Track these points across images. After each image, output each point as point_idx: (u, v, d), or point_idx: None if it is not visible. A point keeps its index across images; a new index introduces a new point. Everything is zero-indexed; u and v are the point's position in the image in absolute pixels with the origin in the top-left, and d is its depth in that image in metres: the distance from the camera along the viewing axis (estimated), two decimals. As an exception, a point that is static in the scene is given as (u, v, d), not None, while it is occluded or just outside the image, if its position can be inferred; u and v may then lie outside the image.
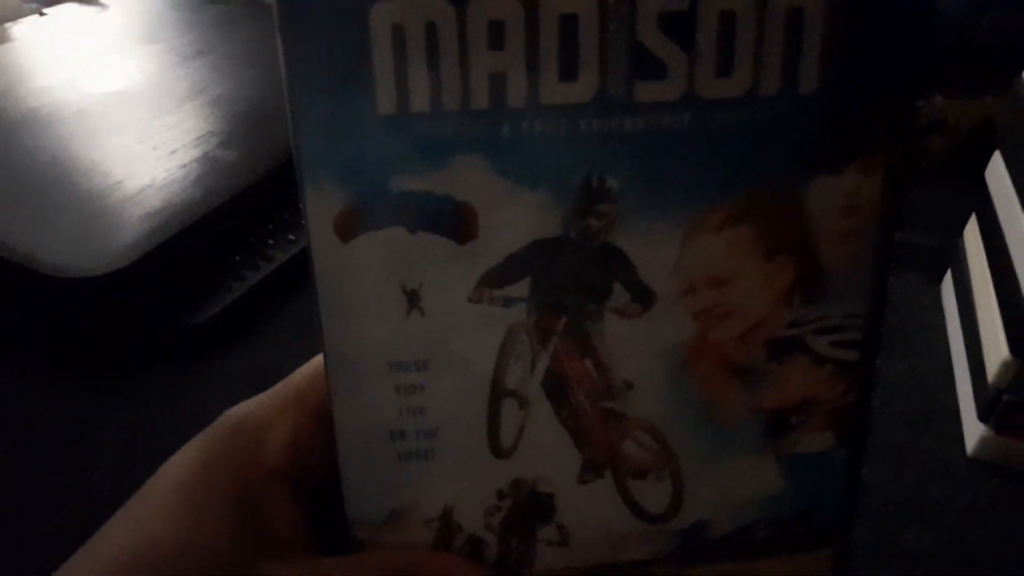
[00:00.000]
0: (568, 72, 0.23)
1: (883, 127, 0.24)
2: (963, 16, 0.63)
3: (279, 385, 0.25)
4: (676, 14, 0.22)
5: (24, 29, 0.54)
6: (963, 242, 0.45)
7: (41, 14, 0.56)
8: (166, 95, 0.48)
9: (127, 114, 0.45)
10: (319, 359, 0.24)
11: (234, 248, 0.41)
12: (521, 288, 0.25)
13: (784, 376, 0.27)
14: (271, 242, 0.42)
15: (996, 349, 0.35)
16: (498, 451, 0.26)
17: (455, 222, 0.24)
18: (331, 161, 0.23)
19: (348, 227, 0.23)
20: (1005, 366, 0.34)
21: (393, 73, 0.22)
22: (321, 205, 0.22)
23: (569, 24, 0.23)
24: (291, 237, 0.43)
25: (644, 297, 0.26)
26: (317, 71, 0.22)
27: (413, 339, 0.24)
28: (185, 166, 0.42)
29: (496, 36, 0.23)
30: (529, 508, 0.27)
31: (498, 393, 0.26)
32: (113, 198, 0.40)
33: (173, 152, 0.43)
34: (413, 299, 0.24)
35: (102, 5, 0.59)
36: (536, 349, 0.26)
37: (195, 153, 0.43)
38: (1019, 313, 0.34)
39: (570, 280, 0.25)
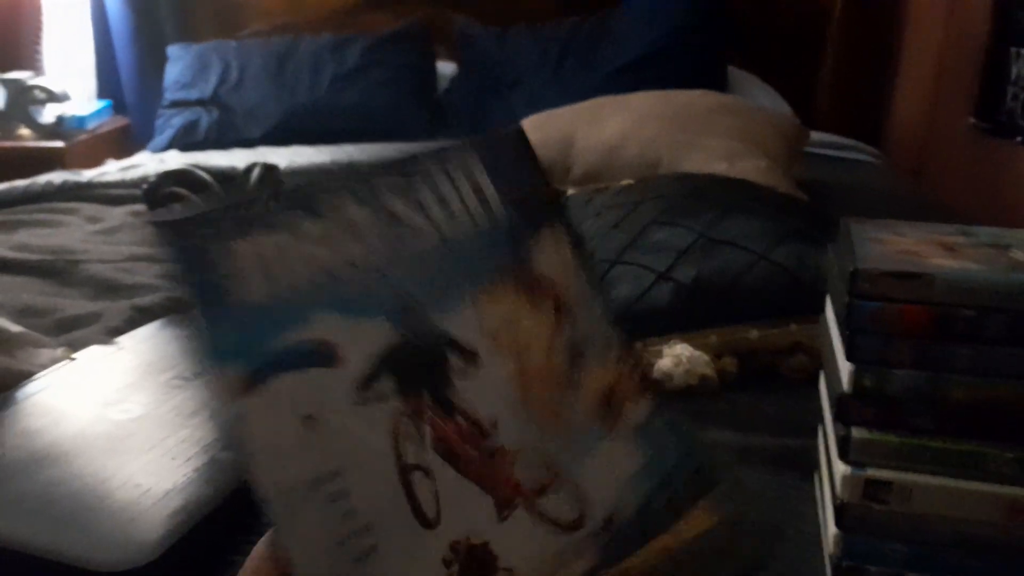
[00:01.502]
0: (370, 248, 0.34)
1: (549, 211, 0.40)
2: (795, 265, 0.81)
3: None
4: (408, 198, 0.36)
5: (59, 374, 0.68)
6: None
7: (71, 359, 0.71)
8: (178, 413, 0.61)
9: (150, 434, 0.58)
10: (258, 545, 0.30)
11: (237, 530, 0.52)
12: (388, 383, 0.32)
13: (586, 377, 0.37)
14: (269, 520, 0.53)
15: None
16: (427, 522, 0.32)
17: (324, 355, 0.31)
18: (226, 351, 0.29)
19: (246, 386, 0.29)
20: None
21: (264, 279, 0.31)
22: (224, 381, 0.29)
23: (356, 226, 0.35)
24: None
25: (469, 356, 0.35)
26: (215, 296, 0.30)
27: (320, 454, 0.30)
28: (197, 470, 0.54)
29: (320, 241, 0.33)
30: (474, 563, 0.32)
31: (405, 470, 0.31)
32: (143, 504, 0.51)
33: (188, 459, 0.55)
34: (309, 422, 0.30)
35: (118, 345, 0.74)
36: (418, 424, 0.32)
37: (204, 458, 0.55)
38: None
39: (419, 365, 0.33)
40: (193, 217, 0.31)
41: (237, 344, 0.30)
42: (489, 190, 0.39)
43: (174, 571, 0.48)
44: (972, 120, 1.54)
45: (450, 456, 0.33)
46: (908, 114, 1.88)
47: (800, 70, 1.91)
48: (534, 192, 0.40)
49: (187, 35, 2.09)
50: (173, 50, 2.00)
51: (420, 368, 0.34)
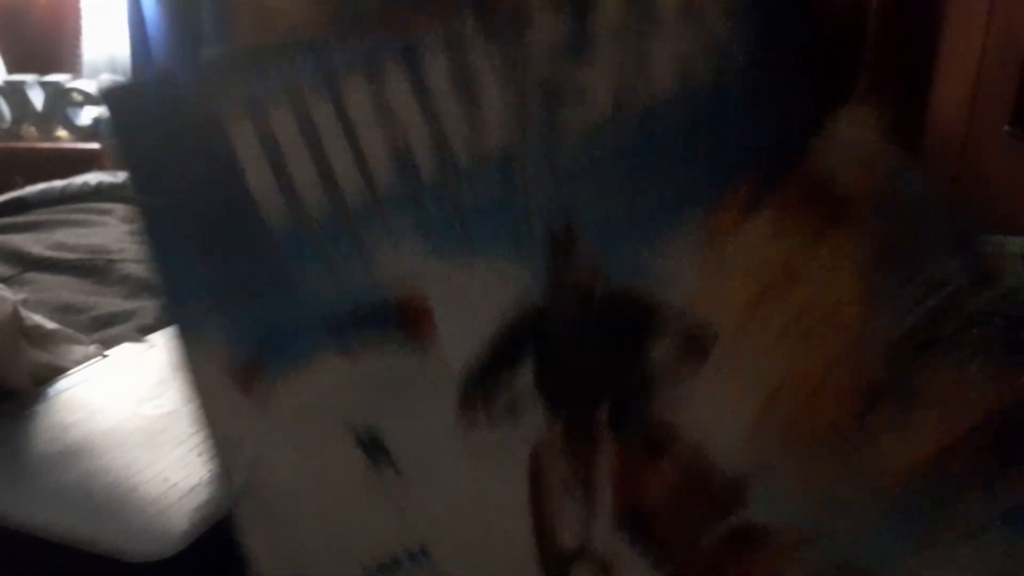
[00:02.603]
0: (476, 124, 0.18)
1: (846, 66, 0.22)
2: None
3: None
4: (569, 42, 0.18)
5: (93, 370, 0.70)
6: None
7: (104, 356, 0.72)
8: (207, 410, 0.62)
9: (180, 429, 0.59)
10: None
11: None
12: (524, 384, 0.17)
13: (925, 396, 0.18)
14: (293, 517, 0.54)
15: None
16: None
17: (401, 324, 0.17)
18: (217, 305, 0.18)
19: (256, 376, 0.17)
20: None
21: (276, 184, 0.18)
22: (214, 365, 0.17)
23: (463, 79, 0.19)
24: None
25: (698, 336, 0.17)
26: (182, 213, 0.19)
27: (394, 516, 0.16)
28: (225, 465, 0.55)
29: (383, 108, 0.18)
30: None
31: (555, 559, 0.16)
32: (171, 498, 0.52)
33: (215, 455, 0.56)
34: (372, 448, 0.17)
35: (150, 343, 0.75)
36: (585, 470, 0.17)
37: (232, 454, 0.56)
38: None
39: (587, 355, 0.18)
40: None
41: (241, 300, 0.18)
42: (720, 14, 0.19)
43: (199, 562, 0.49)
44: (1007, 127, 1.51)
45: (651, 538, 0.17)
46: (945, 121, 1.85)
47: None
48: (829, 28, 0.21)
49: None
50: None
51: (589, 361, 0.18)
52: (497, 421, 0.17)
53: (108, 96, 0.21)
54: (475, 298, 0.17)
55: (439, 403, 0.17)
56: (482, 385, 0.17)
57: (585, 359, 0.18)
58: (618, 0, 0.19)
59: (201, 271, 0.19)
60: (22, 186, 1.50)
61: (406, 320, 0.17)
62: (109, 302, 0.98)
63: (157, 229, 0.19)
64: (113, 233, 1.26)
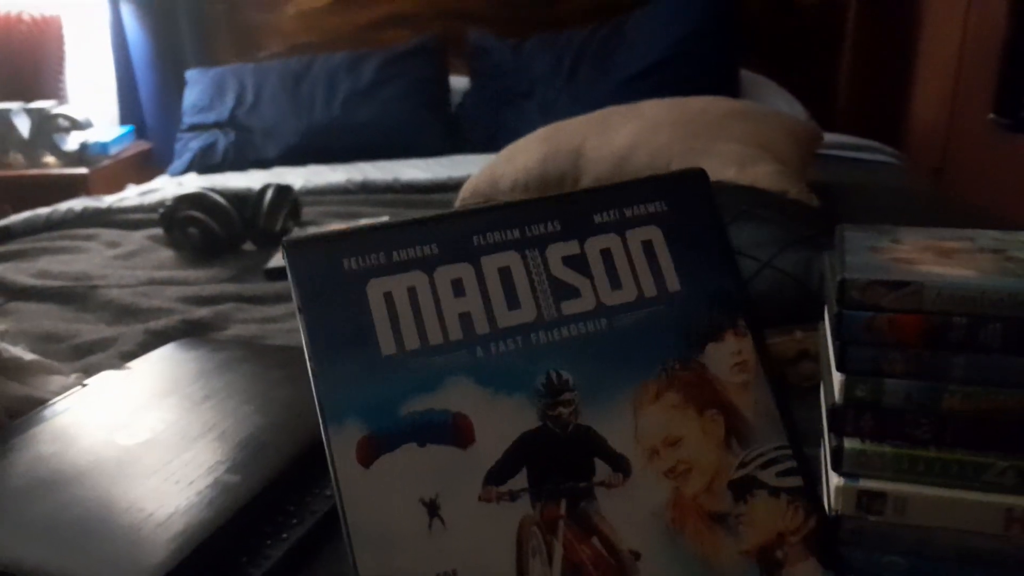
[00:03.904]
0: (513, 304, 0.30)
1: (737, 305, 0.34)
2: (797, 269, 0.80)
3: None
4: (572, 256, 0.32)
5: (70, 401, 0.70)
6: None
7: (83, 385, 0.72)
8: (183, 437, 0.62)
9: (155, 458, 0.59)
10: None
11: (239, 552, 0.53)
12: (520, 480, 0.28)
13: (753, 514, 0.31)
14: (269, 542, 0.53)
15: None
16: None
17: (455, 431, 0.28)
18: (348, 402, 0.28)
19: (368, 453, 0.27)
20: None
21: (389, 325, 0.29)
22: (343, 440, 0.27)
23: (506, 274, 0.31)
24: (284, 536, 0.55)
25: (621, 466, 0.30)
26: (332, 335, 0.29)
27: (439, 551, 0.27)
28: (200, 492, 0.55)
29: (458, 288, 0.30)
30: None
31: None
32: (147, 527, 0.52)
33: (191, 483, 0.56)
34: (433, 509, 0.27)
35: (130, 369, 0.75)
36: (548, 539, 0.28)
37: (208, 480, 0.56)
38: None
39: (559, 463, 0.29)
40: (325, 237, 0.29)
41: (365, 399, 0.28)
42: (666, 261, 0.33)
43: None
44: (992, 116, 1.51)
45: None
46: (928, 112, 1.85)
47: (817, 71, 1.90)
48: (721, 274, 0.33)
49: (207, 60, 2.13)
50: (191, 74, 2.04)
51: (560, 468, 0.29)
52: (502, 502, 0.27)
53: (288, 246, 0.30)
54: (499, 420, 0.28)
55: (472, 486, 0.27)
56: (496, 481, 0.27)
57: (557, 469, 0.28)
58: (609, 237, 0.32)
59: (344, 379, 0.28)
60: (8, 214, 1.50)
61: (458, 430, 0.27)
62: (91, 329, 0.98)
63: (316, 349, 0.28)
64: (96, 259, 1.26)
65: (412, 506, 0.27)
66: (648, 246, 0.33)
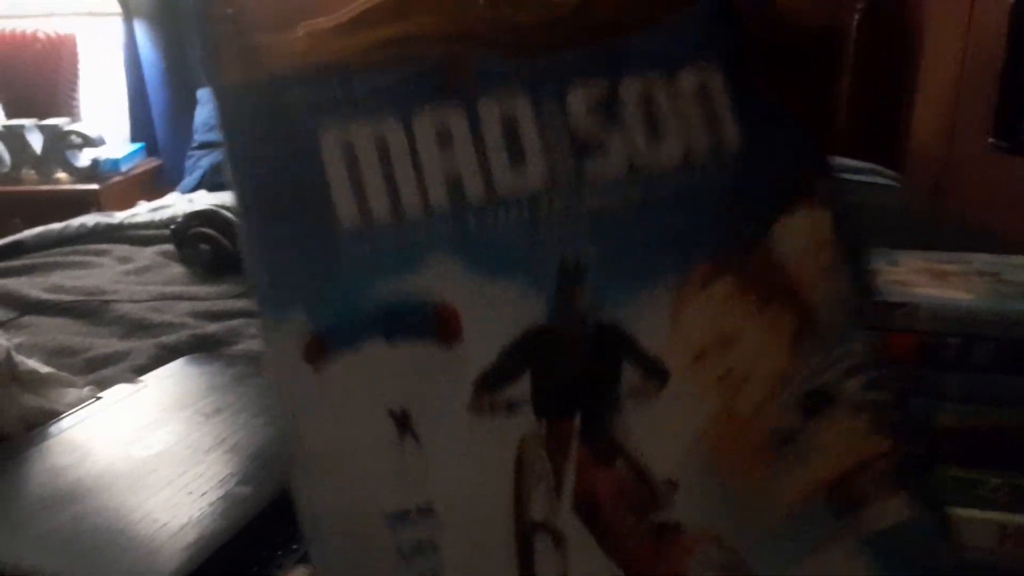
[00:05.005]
0: (518, 164, 0.22)
1: (809, 173, 0.25)
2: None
3: None
4: (600, 102, 0.24)
5: (85, 413, 0.71)
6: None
7: (98, 398, 0.74)
8: (195, 449, 0.63)
9: (168, 469, 0.60)
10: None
11: (251, 562, 0.54)
12: (523, 388, 0.22)
13: (826, 437, 0.23)
14: (280, 552, 0.55)
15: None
16: None
17: (436, 325, 0.21)
18: (295, 289, 0.21)
19: (319, 352, 0.21)
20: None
21: (349, 188, 0.21)
22: (287, 337, 0.21)
23: (510, 122, 0.23)
24: (294, 547, 0.56)
25: (657, 372, 0.23)
26: (271, 200, 0.21)
27: (411, 477, 0.21)
28: (212, 504, 0.56)
29: (445, 141, 0.22)
30: None
31: (526, 531, 0.21)
32: (160, 538, 0.53)
33: (204, 494, 0.57)
34: (404, 423, 0.21)
35: (143, 383, 0.77)
36: (557, 461, 0.22)
37: (220, 492, 0.57)
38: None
39: (572, 368, 0.22)
40: (276, 80, 0.23)
41: (315, 284, 0.21)
42: (724, 110, 0.25)
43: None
44: (992, 139, 1.53)
45: (597, 522, 0.22)
46: (927, 134, 1.87)
47: (816, 93, 1.92)
48: (794, 134, 0.26)
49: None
50: (202, 93, 2.07)
51: (575, 375, 0.23)
52: (498, 415, 0.22)
53: (221, 94, 0.24)
54: (495, 312, 0.22)
55: (457, 393, 0.21)
56: (491, 387, 0.22)
57: (571, 375, 0.22)
58: (644, 82, 0.24)
59: (286, 259, 0.22)
60: (21, 229, 1.53)
61: (440, 322, 0.22)
62: (104, 343, 1.00)
63: (250, 220, 0.22)
64: (108, 274, 1.28)
65: (377, 419, 0.21)
66: (704, 91, 0.25)
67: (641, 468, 0.22)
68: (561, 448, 0.22)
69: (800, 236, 0.25)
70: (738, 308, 0.24)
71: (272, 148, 0.22)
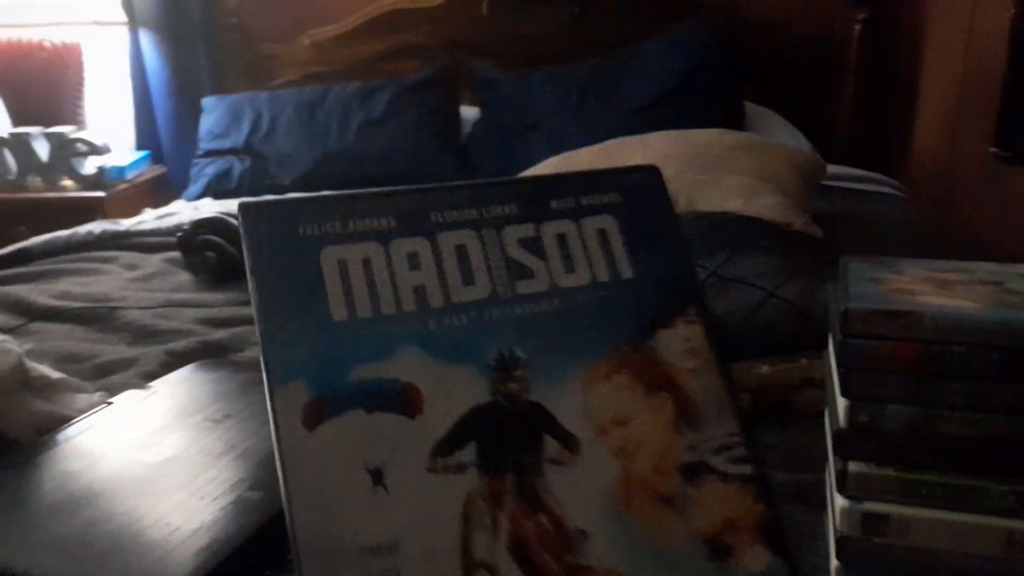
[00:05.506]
0: (468, 281, 0.31)
1: (684, 297, 0.35)
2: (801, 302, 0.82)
3: None
4: (529, 238, 0.33)
5: (96, 418, 0.72)
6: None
7: (108, 403, 0.74)
8: (206, 455, 0.64)
9: (180, 475, 0.61)
10: None
11: (262, 565, 0.55)
12: (469, 452, 0.28)
13: (702, 499, 0.31)
14: (290, 557, 0.55)
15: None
16: None
17: (404, 400, 0.28)
18: (295, 364, 0.27)
19: (313, 416, 0.27)
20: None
21: (341, 292, 0.29)
22: (288, 402, 0.27)
23: (462, 251, 0.32)
24: (305, 552, 0.56)
25: (570, 443, 0.30)
26: (282, 297, 0.29)
27: (382, 520, 0.26)
28: (224, 508, 0.56)
29: (414, 261, 0.31)
30: None
31: (470, 567, 0.27)
32: (172, 542, 0.54)
33: (215, 499, 0.58)
34: (377, 477, 0.26)
35: (152, 389, 0.77)
36: (494, 512, 0.28)
37: (231, 497, 0.58)
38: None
39: (508, 438, 0.29)
40: (282, 202, 0.29)
41: (312, 362, 0.28)
42: (619, 249, 0.34)
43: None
44: (993, 149, 1.54)
45: (525, 562, 0.27)
46: (929, 144, 1.88)
47: (818, 103, 1.93)
48: (672, 265, 0.34)
49: (222, 87, 2.18)
50: (207, 101, 2.08)
51: (509, 443, 0.29)
52: (450, 474, 0.27)
53: (247, 215, 0.30)
54: (450, 392, 0.28)
55: (419, 455, 0.27)
56: (445, 452, 0.27)
57: (506, 444, 0.28)
58: (564, 223, 0.33)
59: (292, 342, 0.27)
60: (27, 236, 1.54)
61: (406, 399, 0.27)
62: (112, 350, 1.00)
63: (266, 311, 0.28)
64: (116, 281, 1.29)
65: (356, 472, 0.26)
66: (602, 234, 0.34)
67: (559, 519, 0.28)
68: (498, 502, 0.27)
69: (678, 343, 0.33)
70: (631, 395, 0.32)
71: (286, 260, 0.28)
